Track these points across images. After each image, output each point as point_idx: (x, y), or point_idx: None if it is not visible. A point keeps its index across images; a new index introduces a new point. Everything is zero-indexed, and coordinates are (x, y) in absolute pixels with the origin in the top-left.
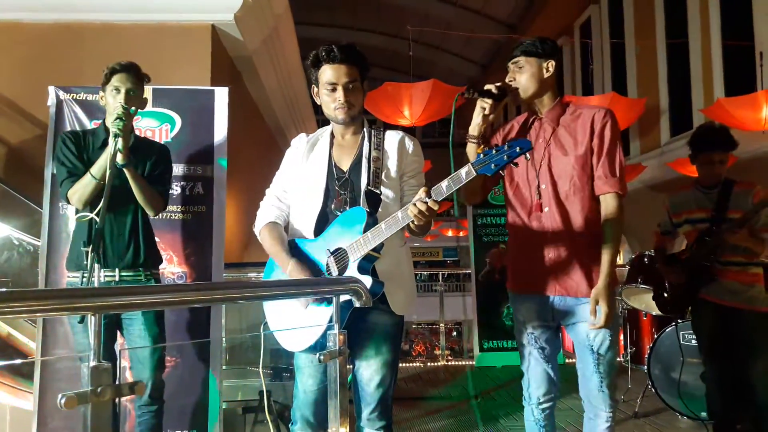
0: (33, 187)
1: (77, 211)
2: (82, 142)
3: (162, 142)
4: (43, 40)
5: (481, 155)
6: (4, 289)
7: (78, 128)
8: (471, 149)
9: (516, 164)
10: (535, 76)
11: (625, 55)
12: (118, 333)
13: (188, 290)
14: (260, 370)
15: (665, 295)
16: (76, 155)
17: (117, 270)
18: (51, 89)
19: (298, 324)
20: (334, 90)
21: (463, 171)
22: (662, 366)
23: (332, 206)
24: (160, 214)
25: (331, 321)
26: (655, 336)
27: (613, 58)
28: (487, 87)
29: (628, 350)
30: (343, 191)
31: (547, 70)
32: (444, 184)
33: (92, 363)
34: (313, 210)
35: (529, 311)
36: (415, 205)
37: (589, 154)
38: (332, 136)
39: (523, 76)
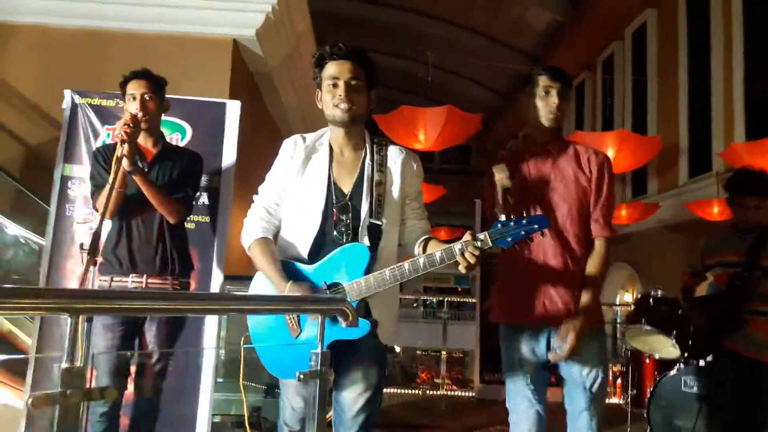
0: (47, 188)
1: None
2: (111, 153)
3: None
4: (67, 45)
5: (499, 225)
6: None
7: (90, 132)
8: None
9: (531, 240)
10: (568, 104)
11: (647, 93)
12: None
13: (162, 299)
14: (240, 384)
15: (687, 336)
16: (104, 168)
17: (145, 276)
18: (67, 92)
19: (287, 351)
20: (335, 86)
21: (479, 238)
22: (663, 412)
23: (331, 230)
24: None
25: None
26: (657, 379)
27: (635, 95)
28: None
29: (629, 393)
30: (342, 216)
31: (571, 100)
32: (457, 246)
33: (64, 365)
34: (309, 231)
35: (524, 348)
36: (467, 252)
37: (586, 192)
38: (331, 148)
39: (564, 102)
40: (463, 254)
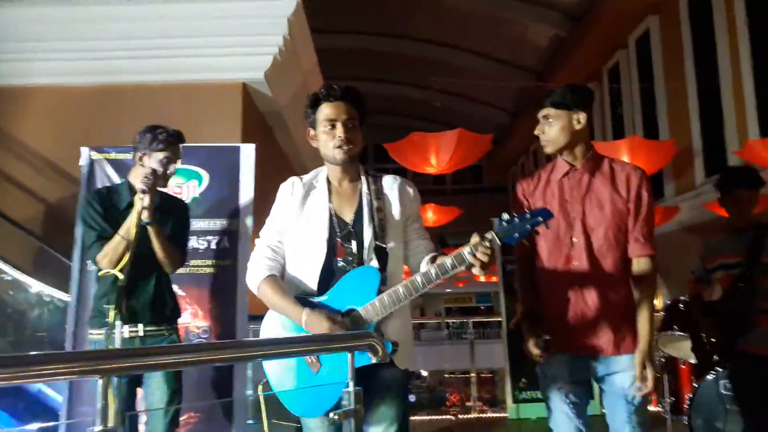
0: (67, 244)
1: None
2: (106, 201)
3: (190, 198)
4: (82, 102)
5: (504, 223)
6: (8, 354)
7: None
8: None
9: (537, 233)
10: (565, 129)
11: (655, 98)
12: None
13: (190, 351)
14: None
15: (703, 344)
16: (102, 216)
17: (141, 325)
18: (84, 149)
19: (309, 389)
20: (333, 127)
21: (486, 238)
22: (704, 417)
23: (338, 260)
24: (188, 269)
25: (344, 379)
26: (695, 385)
27: (643, 102)
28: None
29: (667, 400)
30: (347, 244)
31: (579, 122)
32: (466, 250)
33: (98, 428)
34: (315, 264)
35: (559, 366)
36: (479, 252)
37: (623, 214)
38: (329, 182)
39: (552, 129)
40: (474, 255)
